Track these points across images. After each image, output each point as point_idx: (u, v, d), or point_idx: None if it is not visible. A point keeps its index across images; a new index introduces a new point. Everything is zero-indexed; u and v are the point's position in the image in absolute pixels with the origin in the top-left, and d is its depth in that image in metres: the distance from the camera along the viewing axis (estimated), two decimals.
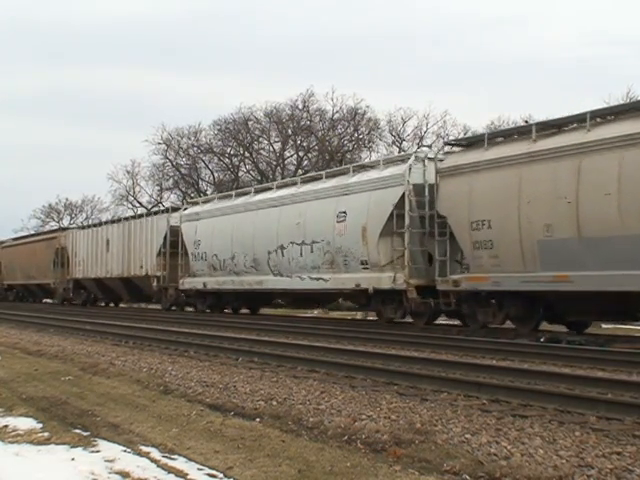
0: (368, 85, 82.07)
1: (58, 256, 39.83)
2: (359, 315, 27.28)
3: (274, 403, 7.89)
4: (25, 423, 7.16)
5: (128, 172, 59.05)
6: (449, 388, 8.27)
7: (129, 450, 6.00)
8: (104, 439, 6.42)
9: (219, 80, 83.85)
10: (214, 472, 5.29)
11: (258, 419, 7.18)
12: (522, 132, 16.65)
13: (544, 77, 73.48)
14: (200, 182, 56.05)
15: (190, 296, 28.91)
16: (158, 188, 57.30)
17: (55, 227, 58.47)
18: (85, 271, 37.22)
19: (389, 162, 20.47)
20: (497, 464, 5.27)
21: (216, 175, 55.46)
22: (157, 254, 30.33)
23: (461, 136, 46.85)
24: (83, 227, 41.80)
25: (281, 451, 5.85)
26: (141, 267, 31.67)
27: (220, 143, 54.09)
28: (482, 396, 7.77)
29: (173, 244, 29.40)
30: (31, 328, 20.61)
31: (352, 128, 51.00)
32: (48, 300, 44.71)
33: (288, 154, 52.79)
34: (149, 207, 54.16)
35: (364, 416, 6.98)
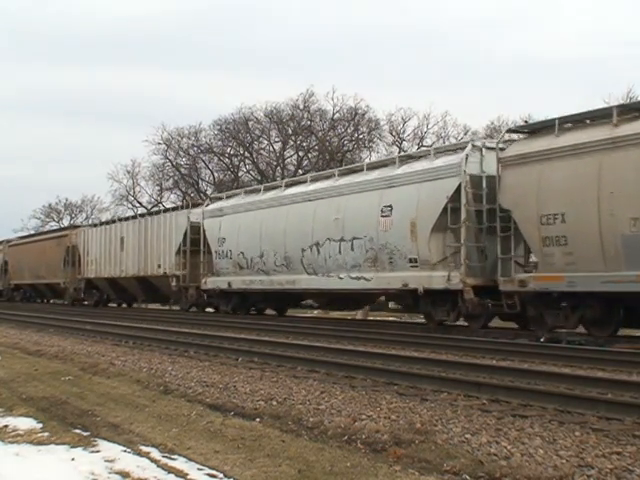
0: (368, 85, 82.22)
1: (69, 255, 38.37)
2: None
3: (274, 403, 7.89)
4: (25, 423, 7.17)
5: (128, 172, 59.10)
6: (449, 388, 8.28)
7: (129, 450, 6.00)
8: (104, 439, 6.43)
9: (219, 80, 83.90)
10: (214, 472, 5.29)
11: (258, 419, 7.19)
12: (597, 116, 15.12)
13: (544, 77, 73.57)
14: (200, 182, 56.12)
15: (213, 296, 27.11)
16: (158, 188, 57.37)
17: (55, 227, 58.46)
18: (98, 270, 35.78)
19: (441, 151, 18.92)
20: (497, 464, 5.28)
21: (216, 175, 55.53)
22: (176, 252, 28.89)
23: (461, 136, 47.02)
24: (95, 225, 40.11)
25: (281, 451, 5.85)
26: (159, 266, 30.24)
27: (220, 143, 54.15)
28: (482, 396, 7.77)
29: (194, 242, 27.92)
30: (31, 328, 20.62)
31: (352, 128, 51.02)
32: (57, 301, 43.21)
33: (288, 154, 52.83)
34: (149, 207, 54.21)
35: (364, 416, 6.98)
